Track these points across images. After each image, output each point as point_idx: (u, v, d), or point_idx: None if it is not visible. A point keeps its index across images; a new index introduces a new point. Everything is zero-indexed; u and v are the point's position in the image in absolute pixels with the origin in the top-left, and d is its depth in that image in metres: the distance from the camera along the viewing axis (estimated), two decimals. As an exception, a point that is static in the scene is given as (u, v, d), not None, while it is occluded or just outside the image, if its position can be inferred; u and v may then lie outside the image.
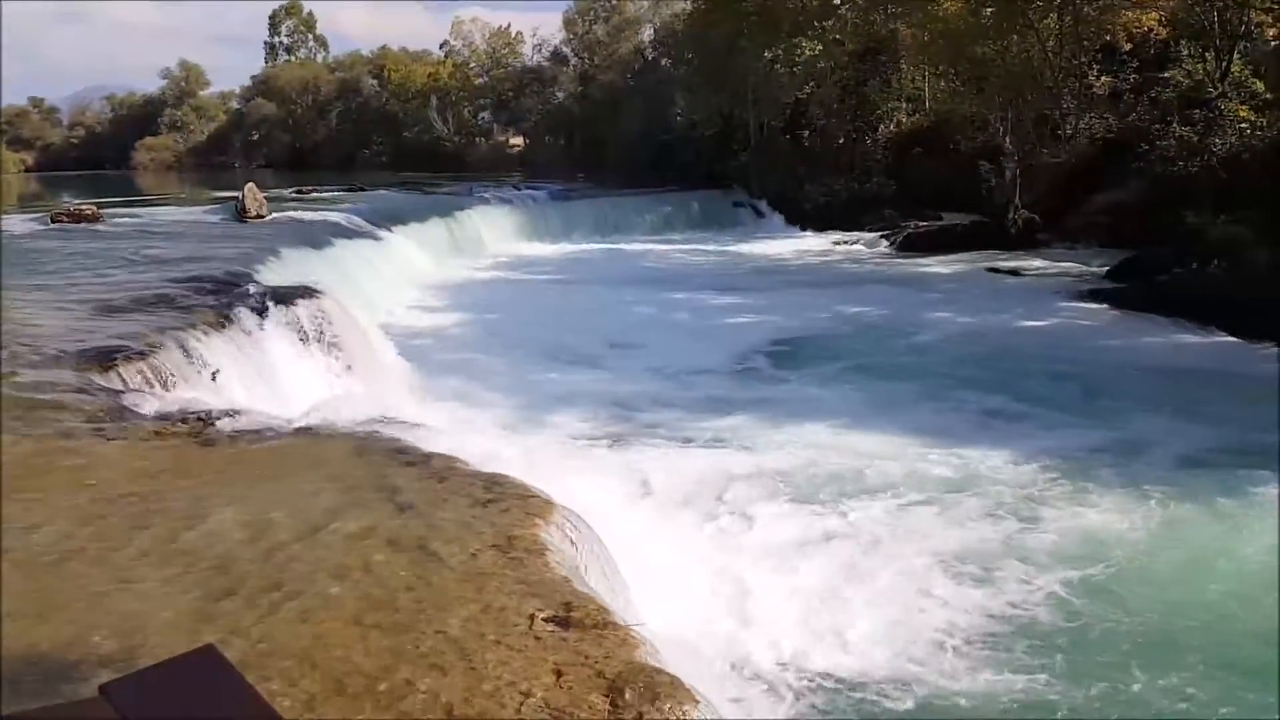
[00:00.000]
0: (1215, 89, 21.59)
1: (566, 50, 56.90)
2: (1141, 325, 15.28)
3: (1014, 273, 20.97)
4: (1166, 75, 23.88)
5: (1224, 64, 22.16)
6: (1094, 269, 20.24)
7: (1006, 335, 15.02)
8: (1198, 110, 21.09)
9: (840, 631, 6.18)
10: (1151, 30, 24.88)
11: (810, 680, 5.68)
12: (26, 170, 77.44)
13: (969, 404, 11.26)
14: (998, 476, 8.87)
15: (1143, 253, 18.76)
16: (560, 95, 58.13)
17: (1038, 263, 21.99)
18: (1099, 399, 11.27)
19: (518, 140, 62.05)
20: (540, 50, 60.43)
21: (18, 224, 21.19)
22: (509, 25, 63.31)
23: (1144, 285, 16.92)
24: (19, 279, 12.41)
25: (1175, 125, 21.13)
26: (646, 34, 51.09)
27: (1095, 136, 25.00)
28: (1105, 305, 16.89)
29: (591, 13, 53.64)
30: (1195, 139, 20.35)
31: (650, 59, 49.41)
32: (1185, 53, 24.06)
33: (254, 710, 1.40)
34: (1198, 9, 22.80)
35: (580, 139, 51.34)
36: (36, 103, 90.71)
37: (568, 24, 55.57)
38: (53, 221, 21.17)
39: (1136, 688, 5.56)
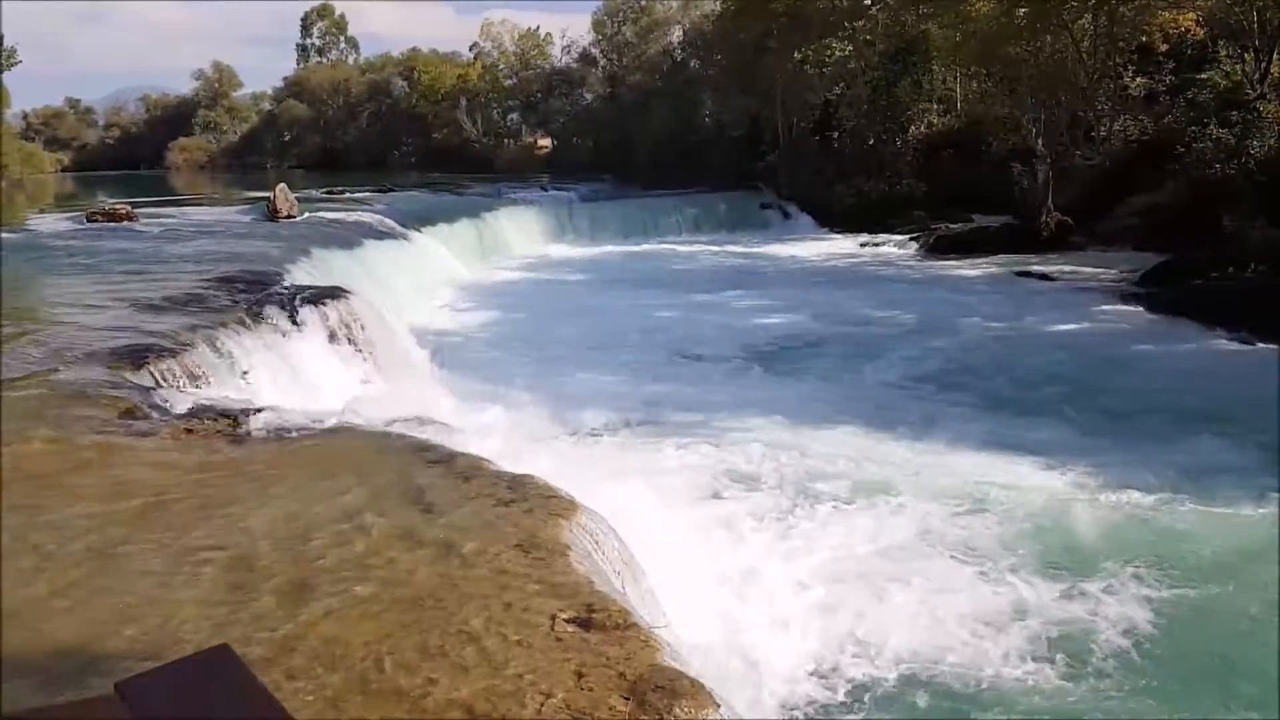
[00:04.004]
0: (1254, 90, 21.22)
1: (595, 52, 56.99)
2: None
3: (1045, 276, 20.58)
4: (1204, 76, 23.49)
5: (1263, 65, 21.76)
6: (1129, 272, 19.78)
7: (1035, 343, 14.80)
8: (1236, 112, 20.71)
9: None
10: (1188, 30, 24.48)
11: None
12: (63, 170, 78.71)
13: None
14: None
15: (1185, 256, 17.96)
16: (588, 97, 58.24)
17: (1071, 266, 21.63)
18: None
19: (546, 141, 62.11)
20: (569, 52, 60.61)
21: (54, 223, 21.59)
22: (538, 27, 63.62)
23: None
24: (54, 277, 12.64)
25: (1212, 127, 20.76)
26: (675, 35, 51.05)
27: (1130, 138, 24.64)
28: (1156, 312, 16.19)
29: (620, 14, 53.68)
30: (1233, 141, 19.99)
31: (679, 60, 49.36)
32: (1223, 53, 23.66)
33: (266, 712, 1.40)
34: (1236, 9, 22.38)
35: (608, 140, 51.31)
36: (73, 103, 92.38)
37: (596, 25, 55.64)
38: (88, 220, 21.54)
39: None
